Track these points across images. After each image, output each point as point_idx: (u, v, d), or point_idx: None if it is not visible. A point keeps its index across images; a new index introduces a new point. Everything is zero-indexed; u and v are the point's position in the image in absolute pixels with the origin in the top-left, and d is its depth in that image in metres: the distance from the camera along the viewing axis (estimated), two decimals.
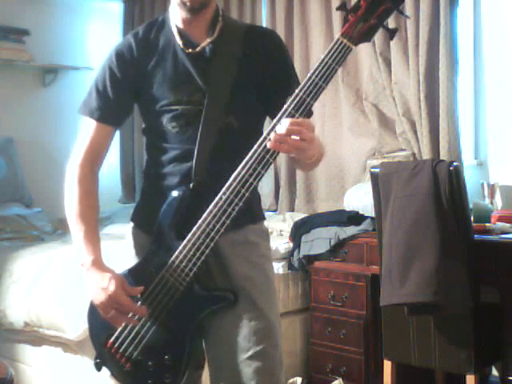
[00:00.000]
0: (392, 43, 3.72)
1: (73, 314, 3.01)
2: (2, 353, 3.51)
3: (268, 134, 1.61)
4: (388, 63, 3.80)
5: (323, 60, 1.58)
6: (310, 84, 1.59)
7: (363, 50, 3.90)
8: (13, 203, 4.41)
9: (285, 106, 1.61)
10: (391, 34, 1.63)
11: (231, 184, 1.66)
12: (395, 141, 3.83)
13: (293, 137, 1.55)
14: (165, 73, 1.80)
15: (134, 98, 1.87)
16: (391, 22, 3.53)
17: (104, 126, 1.85)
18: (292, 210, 4.29)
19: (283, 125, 1.56)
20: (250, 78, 1.81)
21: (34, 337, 3.34)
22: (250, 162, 1.64)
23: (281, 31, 4.30)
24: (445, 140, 3.53)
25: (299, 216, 3.81)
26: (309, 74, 1.59)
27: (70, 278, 3.14)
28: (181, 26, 1.82)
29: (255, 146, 1.64)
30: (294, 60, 4.22)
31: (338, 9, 1.63)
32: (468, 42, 3.73)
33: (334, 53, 1.58)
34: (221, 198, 1.67)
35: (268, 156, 1.62)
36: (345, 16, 1.59)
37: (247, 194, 1.66)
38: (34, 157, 4.71)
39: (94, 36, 5.08)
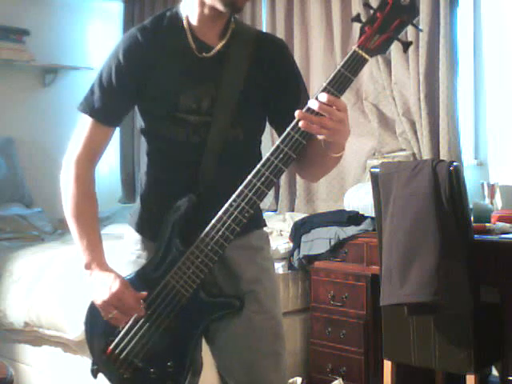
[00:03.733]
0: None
1: (73, 314, 3.01)
2: (2, 353, 3.51)
3: (282, 142, 1.60)
4: (388, 63, 3.80)
5: (339, 71, 1.57)
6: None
7: None
8: (13, 203, 4.41)
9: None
10: (405, 46, 1.63)
11: (242, 191, 1.65)
12: (395, 141, 3.83)
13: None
14: (174, 75, 1.75)
15: (137, 97, 1.79)
16: None
17: (104, 126, 1.79)
18: (292, 210, 4.29)
19: (315, 102, 1.55)
20: (259, 87, 1.78)
21: (34, 337, 3.34)
22: (262, 170, 1.63)
23: (281, 31, 4.30)
24: (445, 140, 3.53)
25: (299, 216, 3.81)
26: (324, 84, 1.58)
27: (70, 278, 3.14)
28: (195, 24, 1.75)
29: (267, 155, 1.63)
30: None
31: (352, 20, 1.61)
32: (468, 41, 3.74)
33: (350, 64, 1.57)
34: (231, 205, 1.66)
35: (281, 164, 1.62)
36: (360, 27, 1.58)
37: (258, 202, 1.65)
38: (34, 157, 4.71)
39: (94, 36, 5.08)
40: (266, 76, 1.78)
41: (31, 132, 4.73)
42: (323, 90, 1.57)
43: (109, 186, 4.96)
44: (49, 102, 4.82)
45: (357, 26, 1.60)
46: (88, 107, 1.79)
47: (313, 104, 1.55)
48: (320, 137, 1.59)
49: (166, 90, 1.75)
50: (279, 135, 1.83)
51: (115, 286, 1.70)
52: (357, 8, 3.87)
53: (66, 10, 4.92)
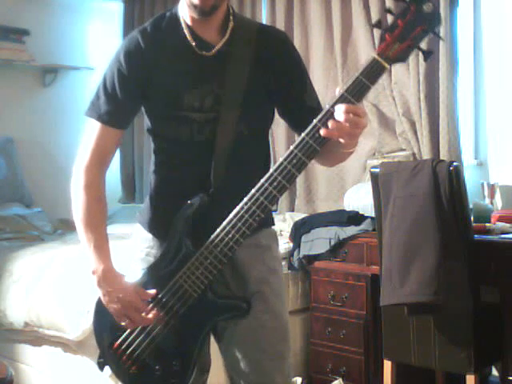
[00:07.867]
0: None
1: (73, 314, 3.01)
2: (2, 353, 3.51)
3: (296, 147, 1.60)
4: None
5: (357, 78, 1.56)
6: (343, 101, 1.56)
7: (363, 50, 3.90)
8: (13, 203, 4.41)
9: (314, 121, 1.59)
10: (426, 55, 1.60)
11: (254, 194, 1.65)
12: (395, 141, 3.83)
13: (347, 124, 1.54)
14: (176, 74, 1.75)
15: (142, 99, 1.80)
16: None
17: (112, 129, 1.80)
18: (292, 210, 4.29)
19: (340, 112, 1.54)
20: (262, 83, 1.78)
21: (34, 337, 3.34)
22: (274, 175, 1.63)
23: None
24: (445, 140, 3.53)
25: (299, 216, 3.81)
26: (341, 91, 1.57)
27: (70, 278, 3.14)
28: (191, 24, 1.76)
29: (281, 159, 1.62)
30: None
31: (373, 26, 1.60)
32: (468, 41, 3.74)
33: (369, 72, 1.56)
34: (242, 208, 1.66)
35: (294, 170, 1.62)
36: (380, 34, 1.56)
37: (270, 206, 1.66)
38: (34, 157, 4.70)
39: (94, 36, 5.08)
40: (269, 71, 1.78)
41: (31, 132, 4.72)
42: (341, 98, 1.56)
43: (109, 186, 4.92)
44: (49, 102, 4.81)
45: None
46: (95, 112, 1.80)
47: (339, 116, 1.54)
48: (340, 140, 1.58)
49: (169, 90, 1.76)
50: (291, 127, 1.84)
51: (126, 295, 1.71)
52: (357, 8, 3.87)
53: (65, 10, 4.92)
